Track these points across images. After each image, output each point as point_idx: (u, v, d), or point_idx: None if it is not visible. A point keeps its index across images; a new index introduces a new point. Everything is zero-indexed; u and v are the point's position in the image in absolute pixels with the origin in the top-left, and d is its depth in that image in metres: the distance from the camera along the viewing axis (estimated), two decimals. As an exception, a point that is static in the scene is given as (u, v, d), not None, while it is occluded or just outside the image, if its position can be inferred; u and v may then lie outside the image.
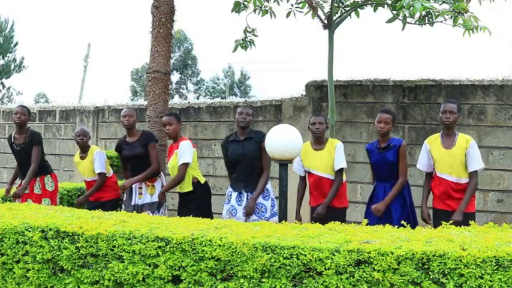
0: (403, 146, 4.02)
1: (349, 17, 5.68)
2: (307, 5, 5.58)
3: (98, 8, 68.80)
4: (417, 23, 5.05)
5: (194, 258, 2.59)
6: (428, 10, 4.64)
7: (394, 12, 5.02)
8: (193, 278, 2.58)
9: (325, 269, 2.32)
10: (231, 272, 2.52)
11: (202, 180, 4.50)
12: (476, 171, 3.76)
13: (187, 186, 4.37)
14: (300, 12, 5.85)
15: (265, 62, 52.35)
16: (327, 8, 5.72)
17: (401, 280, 2.23)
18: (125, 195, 4.73)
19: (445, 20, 4.77)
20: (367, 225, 2.81)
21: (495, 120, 5.80)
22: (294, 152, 3.53)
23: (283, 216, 3.50)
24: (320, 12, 5.64)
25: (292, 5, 5.84)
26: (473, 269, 2.15)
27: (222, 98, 14.12)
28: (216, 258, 2.54)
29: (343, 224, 2.85)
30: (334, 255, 2.32)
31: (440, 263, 2.19)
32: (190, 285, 2.59)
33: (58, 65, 67.54)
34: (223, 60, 54.98)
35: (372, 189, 4.23)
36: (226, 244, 2.51)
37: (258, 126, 6.71)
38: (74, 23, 67.48)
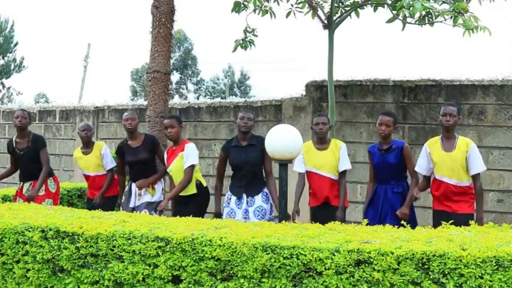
0: (406, 148, 4.03)
1: (349, 17, 5.68)
2: (307, 5, 5.58)
3: (98, 8, 68.84)
4: (417, 23, 5.05)
5: (194, 258, 2.59)
6: (428, 10, 4.63)
7: (394, 12, 5.02)
8: (193, 278, 2.58)
9: (325, 269, 2.32)
10: (231, 272, 2.52)
11: (205, 183, 4.51)
12: (479, 174, 3.77)
13: (191, 189, 4.37)
14: (300, 12, 5.85)
15: (265, 62, 52.38)
16: (327, 8, 5.72)
17: (401, 280, 2.23)
18: (123, 197, 4.73)
19: (445, 20, 4.77)
20: (367, 225, 2.81)
21: (495, 120, 5.80)
22: (294, 152, 3.53)
23: (283, 216, 3.50)
24: (320, 12, 5.64)
25: (292, 5, 5.84)
26: (473, 269, 2.15)
27: (222, 98, 14.12)
28: (216, 258, 2.54)
29: (343, 223, 2.86)
30: (334, 255, 2.32)
31: (440, 263, 2.19)
32: (190, 285, 2.59)
33: (58, 65, 67.57)
34: (223, 60, 55.02)
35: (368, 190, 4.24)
36: (226, 244, 2.51)
37: (258, 126, 6.71)
38: (74, 23, 67.52)
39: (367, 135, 6.22)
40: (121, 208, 4.68)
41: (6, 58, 23.96)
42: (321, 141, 4.24)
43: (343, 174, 4.22)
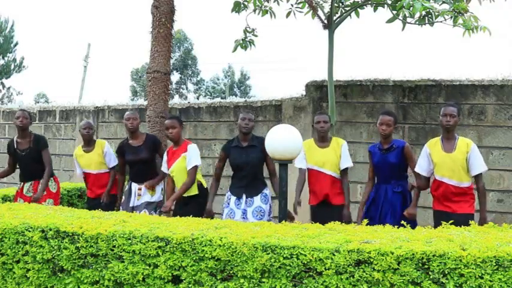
0: (407, 147, 4.04)
1: (349, 17, 5.68)
2: (307, 5, 5.58)
3: (98, 8, 68.84)
4: (417, 23, 5.05)
5: (194, 258, 2.59)
6: (428, 10, 4.63)
7: (394, 12, 5.01)
8: (193, 278, 2.59)
9: (325, 269, 2.32)
10: (231, 272, 2.52)
11: (205, 184, 4.52)
12: (481, 174, 3.77)
13: (193, 190, 4.36)
14: (300, 12, 5.85)
15: (265, 62, 52.36)
16: (327, 8, 5.72)
17: (401, 280, 2.23)
18: (123, 197, 4.73)
19: (445, 20, 4.77)
20: (367, 225, 2.81)
21: (495, 120, 5.80)
22: (294, 152, 3.53)
23: (283, 216, 3.50)
24: (320, 12, 5.64)
25: (292, 5, 5.84)
26: (473, 269, 2.15)
27: (222, 98, 14.12)
28: (216, 258, 2.54)
29: (343, 223, 2.86)
30: (334, 255, 2.32)
31: (440, 263, 2.19)
32: (190, 285, 2.59)
33: (58, 65, 67.55)
34: (223, 60, 54.98)
35: (368, 193, 4.23)
36: (226, 244, 2.51)
37: (258, 126, 6.71)
38: (74, 23, 67.51)
39: (367, 135, 6.22)
40: (121, 208, 4.68)
41: (6, 58, 23.95)
42: (322, 139, 4.26)
43: (345, 172, 4.25)
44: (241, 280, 2.48)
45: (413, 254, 2.23)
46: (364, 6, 5.55)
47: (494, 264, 2.14)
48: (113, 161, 5.01)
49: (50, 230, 2.97)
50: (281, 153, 3.51)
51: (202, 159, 7.12)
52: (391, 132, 4.05)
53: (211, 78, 35.54)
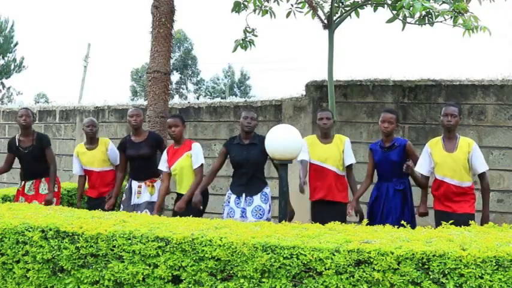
0: (410, 145, 4.05)
1: (349, 17, 5.68)
2: (307, 5, 5.57)
3: (98, 8, 68.85)
4: (417, 23, 5.05)
5: (194, 258, 2.59)
6: (428, 10, 4.63)
7: (394, 12, 5.01)
8: (193, 278, 2.59)
9: (325, 269, 2.32)
10: (231, 272, 2.52)
11: None
12: (485, 172, 3.79)
13: None
14: (300, 12, 5.85)
15: (265, 62, 52.36)
16: (327, 8, 5.72)
17: (401, 280, 2.23)
18: (124, 195, 4.73)
19: (445, 20, 4.77)
20: (367, 224, 2.81)
21: (495, 120, 5.80)
22: (294, 152, 3.53)
23: (283, 216, 3.50)
24: (320, 12, 5.64)
25: (292, 5, 5.84)
26: (473, 269, 2.15)
27: (222, 98, 14.12)
28: (216, 258, 2.54)
29: (343, 223, 2.86)
30: (334, 255, 2.32)
31: (440, 263, 2.19)
32: (190, 285, 2.59)
33: (58, 65, 67.55)
34: (223, 60, 54.97)
35: (365, 189, 4.23)
36: (226, 244, 2.51)
37: (258, 126, 6.70)
38: (74, 23, 67.53)
39: (367, 135, 6.22)
40: (121, 206, 4.66)
41: (6, 58, 23.95)
42: (325, 136, 4.27)
43: (350, 169, 4.28)
44: (241, 280, 2.48)
45: (413, 254, 2.23)
46: (364, 6, 5.54)
47: (494, 264, 2.14)
48: (118, 160, 5.01)
49: (50, 230, 2.97)
50: (281, 153, 3.51)
51: (202, 159, 7.13)
52: (393, 130, 4.05)
53: (211, 78, 35.57)
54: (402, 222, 2.86)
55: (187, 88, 33.48)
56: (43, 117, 8.68)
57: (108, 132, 8.03)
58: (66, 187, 5.78)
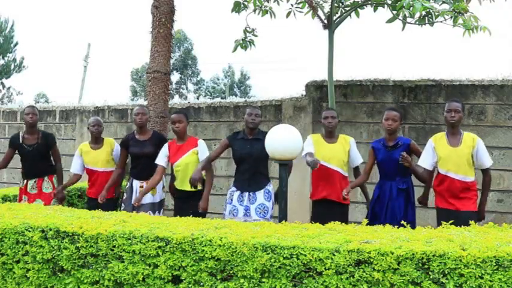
0: (414, 144, 4.07)
1: (349, 17, 5.68)
2: (307, 5, 5.57)
3: (98, 8, 68.85)
4: (417, 23, 5.05)
5: (194, 258, 2.59)
6: (428, 10, 4.63)
7: (394, 12, 5.01)
8: (193, 278, 2.59)
9: (325, 269, 2.32)
10: (231, 272, 2.52)
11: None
12: (488, 168, 3.84)
13: (198, 185, 4.37)
14: (300, 12, 5.85)
15: (265, 62, 52.37)
16: (327, 8, 5.72)
17: (401, 280, 2.23)
18: (125, 194, 4.71)
19: (445, 20, 4.77)
20: (367, 224, 2.81)
21: (495, 120, 5.80)
22: (294, 152, 3.53)
23: (283, 216, 3.50)
24: (320, 12, 5.64)
25: (292, 5, 5.84)
26: (473, 269, 2.15)
27: (222, 98, 14.11)
28: (216, 258, 2.54)
29: (343, 223, 2.86)
30: (334, 255, 2.32)
31: (440, 263, 2.19)
32: (190, 285, 2.59)
33: (58, 65, 67.58)
34: (223, 60, 54.99)
35: (360, 182, 4.24)
36: (226, 244, 2.51)
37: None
38: (74, 23, 67.54)
39: (367, 135, 6.22)
40: (123, 205, 4.64)
41: (6, 58, 23.95)
42: (330, 135, 4.27)
43: (357, 168, 4.33)
44: (241, 280, 2.48)
45: (413, 254, 2.23)
46: (364, 6, 5.54)
47: (494, 264, 2.14)
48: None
49: (50, 230, 2.97)
50: (281, 153, 3.51)
51: (202, 159, 7.13)
52: (397, 128, 4.05)
53: (211, 78, 35.59)
54: (402, 222, 2.86)
55: (187, 88, 33.49)
56: (43, 117, 8.67)
57: (108, 132, 8.02)
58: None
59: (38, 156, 4.86)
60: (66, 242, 2.90)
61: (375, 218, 4.02)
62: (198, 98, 22.45)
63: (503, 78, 5.90)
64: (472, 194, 3.78)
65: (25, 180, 4.92)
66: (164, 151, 4.46)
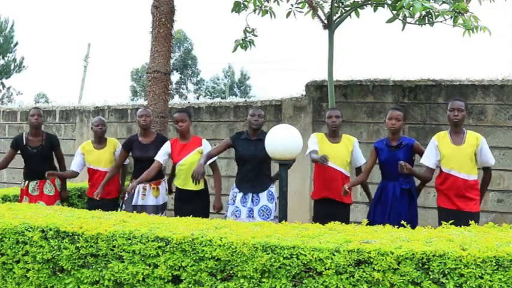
0: (418, 145, 4.07)
1: (349, 17, 5.68)
2: (307, 5, 5.57)
3: (98, 8, 68.86)
4: (417, 23, 5.04)
5: (194, 258, 2.59)
6: (428, 10, 4.63)
7: (394, 12, 5.01)
8: (193, 278, 2.59)
9: (325, 269, 2.32)
10: (231, 272, 2.52)
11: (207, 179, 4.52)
12: (490, 166, 3.87)
13: (201, 185, 4.36)
14: (300, 12, 5.85)
15: (265, 62, 52.39)
16: (327, 8, 5.72)
17: (401, 280, 2.23)
18: (126, 194, 4.68)
19: (445, 20, 4.76)
20: (366, 224, 2.81)
21: (495, 120, 5.80)
22: (293, 152, 3.53)
23: (283, 216, 3.50)
24: (320, 12, 5.63)
25: (292, 5, 5.83)
26: (473, 269, 2.15)
27: (222, 98, 14.12)
28: (216, 258, 2.54)
29: (343, 223, 2.86)
30: (334, 255, 2.32)
31: (440, 263, 2.19)
32: (190, 285, 2.59)
33: (58, 65, 67.60)
34: (223, 60, 55.02)
35: (360, 181, 4.23)
36: (226, 244, 2.51)
37: (258, 126, 6.71)
38: (74, 23, 67.55)
39: (367, 135, 6.22)
40: (123, 206, 4.61)
41: (6, 58, 23.95)
42: (334, 134, 4.25)
43: (360, 169, 4.33)
44: (241, 280, 2.48)
45: (413, 254, 2.23)
46: (364, 6, 5.54)
47: (494, 264, 2.14)
48: (125, 160, 5.01)
49: (50, 230, 2.97)
50: (281, 153, 3.52)
51: (202, 159, 7.13)
52: (400, 128, 4.04)
53: (211, 78, 35.59)
54: (402, 222, 2.86)
55: (187, 88, 33.50)
56: (43, 117, 8.68)
57: (108, 132, 7.99)
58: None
59: (42, 158, 4.85)
60: (66, 242, 2.90)
61: (377, 219, 3.99)
62: (198, 98, 22.47)
63: (503, 78, 5.90)
64: (475, 194, 3.78)
65: (26, 182, 4.91)
66: (166, 149, 4.43)
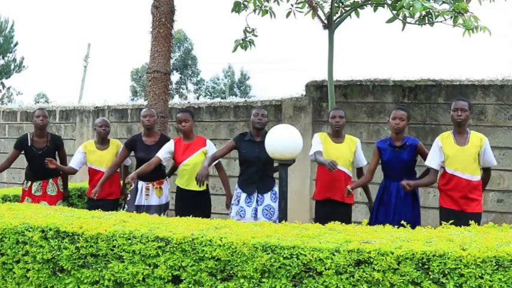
0: (421, 145, 4.06)
1: (349, 17, 5.68)
2: (307, 5, 5.57)
3: (98, 8, 68.88)
4: (417, 23, 5.05)
5: (194, 258, 2.59)
6: (428, 10, 4.63)
7: (394, 12, 5.01)
8: (193, 278, 2.59)
9: (325, 269, 2.32)
10: (231, 272, 2.52)
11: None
12: (490, 166, 3.89)
13: (204, 185, 4.36)
14: (300, 12, 5.85)
15: (265, 62, 52.40)
16: (327, 8, 5.72)
17: (401, 280, 2.23)
18: (129, 195, 4.67)
19: (445, 20, 4.77)
20: (367, 224, 2.81)
21: (495, 120, 5.80)
22: (293, 152, 3.53)
23: (283, 216, 3.50)
24: (320, 12, 5.64)
25: (292, 5, 5.84)
26: (473, 269, 2.15)
27: (222, 98, 14.11)
28: (216, 258, 2.54)
29: (343, 223, 2.86)
30: (334, 255, 2.32)
31: (440, 263, 2.19)
32: (190, 285, 2.59)
33: (58, 65, 67.60)
34: (223, 60, 55.02)
35: (364, 182, 4.23)
36: (226, 244, 2.51)
37: (258, 126, 6.70)
38: (74, 23, 67.57)
39: (367, 135, 6.22)
40: (126, 206, 4.60)
41: (6, 58, 23.95)
42: (337, 134, 4.25)
43: (361, 169, 4.35)
44: (241, 280, 2.48)
45: (413, 254, 2.23)
46: (364, 6, 5.54)
47: (494, 264, 2.14)
48: (126, 161, 5.02)
49: (50, 230, 2.97)
50: (281, 153, 3.51)
51: (202, 159, 7.12)
52: (404, 128, 4.01)
53: (211, 78, 35.59)
54: (402, 222, 2.86)
55: (187, 88, 33.50)
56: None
57: (108, 132, 8.02)
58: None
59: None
60: (66, 242, 2.90)
61: (380, 220, 3.96)
62: (198, 98, 22.45)
63: (503, 78, 5.90)
64: (478, 194, 3.77)
65: (29, 182, 4.90)
66: (169, 147, 4.40)
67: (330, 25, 5.60)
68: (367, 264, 2.28)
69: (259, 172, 4.13)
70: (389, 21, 5.16)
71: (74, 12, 68.29)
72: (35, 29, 68.12)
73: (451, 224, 2.79)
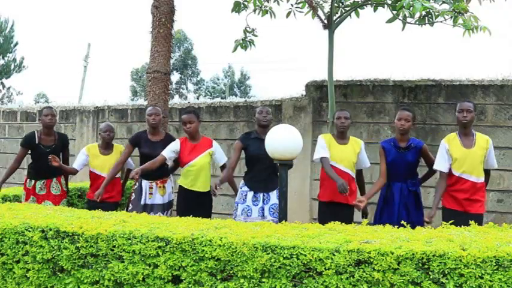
0: (426, 148, 4.05)
1: (349, 17, 5.67)
2: (307, 5, 5.57)
3: (98, 8, 68.88)
4: (417, 23, 5.04)
5: (194, 258, 2.59)
6: (428, 10, 4.63)
7: (394, 12, 5.01)
8: (193, 278, 2.59)
9: (325, 269, 2.32)
10: (231, 272, 2.52)
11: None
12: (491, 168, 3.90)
13: (208, 186, 4.38)
14: (300, 12, 5.85)
15: (265, 62, 52.39)
16: (327, 8, 5.72)
17: (401, 280, 2.23)
18: (133, 194, 4.66)
19: (445, 20, 4.76)
20: (370, 224, 2.81)
21: (495, 120, 5.80)
22: (293, 152, 3.53)
23: (283, 216, 3.50)
24: (320, 12, 5.63)
25: (292, 5, 5.83)
26: (473, 269, 2.15)
27: (222, 98, 14.11)
28: (216, 258, 2.54)
29: (343, 223, 2.86)
30: (334, 255, 2.32)
31: (440, 263, 2.19)
32: (190, 285, 2.59)
33: (58, 65, 67.60)
34: (223, 60, 55.02)
35: (379, 188, 4.18)
36: (226, 244, 2.51)
37: (258, 126, 6.70)
38: (74, 23, 67.58)
39: (367, 135, 6.22)
40: (130, 205, 4.58)
41: (6, 58, 23.96)
42: (342, 135, 4.24)
43: (361, 172, 4.36)
44: (241, 280, 2.48)
45: (413, 254, 2.23)
46: (364, 6, 5.54)
47: (494, 264, 2.14)
48: (130, 164, 5.02)
49: (50, 230, 2.97)
50: (281, 153, 3.51)
51: (202, 159, 7.12)
52: (409, 128, 3.99)
53: (211, 78, 35.59)
54: (402, 222, 2.86)
55: (187, 88, 33.50)
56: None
57: (108, 132, 8.01)
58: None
59: None
60: (66, 242, 2.90)
61: (383, 221, 3.92)
62: (198, 98, 22.48)
63: (503, 78, 5.90)
64: (482, 195, 3.78)
65: (32, 181, 4.88)
66: (175, 146, 4.39)
67: (330, 25, 5.60)
68: (367, 264, 2.28)
69: (268, 169, 4.13)
70: (389, 21, 5.16)
71: (74, 12, 68.35)
72: (35, 29, 68.15)
73: (452, 224, 2.79)
